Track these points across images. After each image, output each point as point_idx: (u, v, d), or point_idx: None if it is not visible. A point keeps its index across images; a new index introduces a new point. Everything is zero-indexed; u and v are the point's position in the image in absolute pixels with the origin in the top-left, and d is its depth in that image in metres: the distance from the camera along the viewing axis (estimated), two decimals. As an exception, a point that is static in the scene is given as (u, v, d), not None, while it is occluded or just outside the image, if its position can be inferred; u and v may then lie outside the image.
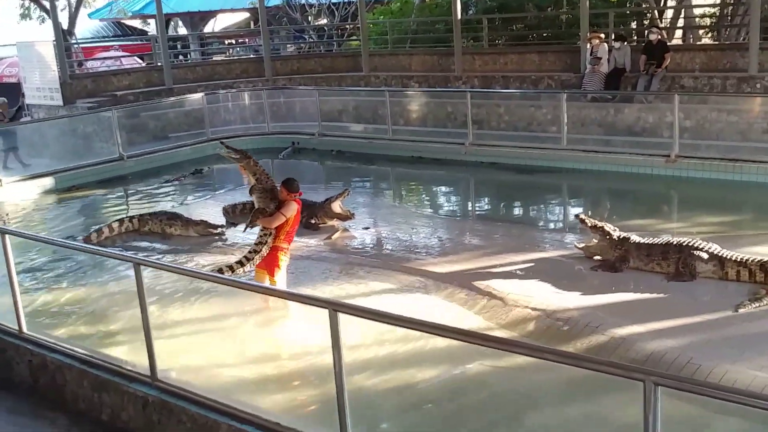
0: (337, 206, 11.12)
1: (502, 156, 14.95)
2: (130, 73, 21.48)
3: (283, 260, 7.98)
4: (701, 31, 23.43)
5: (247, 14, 36.42)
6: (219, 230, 11.07)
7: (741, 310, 7.34)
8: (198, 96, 18.37)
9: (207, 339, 7.69)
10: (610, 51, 16.45)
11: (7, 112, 17.12)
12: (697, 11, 24.55)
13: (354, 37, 27.29)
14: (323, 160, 17.13)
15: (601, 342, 6.98)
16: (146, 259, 6.98)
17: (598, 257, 9.03)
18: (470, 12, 24.30)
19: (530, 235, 10.79)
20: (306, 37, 30.48)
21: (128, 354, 6.64)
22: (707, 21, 24.47)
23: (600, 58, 16.25)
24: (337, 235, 10.84)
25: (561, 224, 12.30)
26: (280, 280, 7.94)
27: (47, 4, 21.66)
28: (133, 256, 7.22)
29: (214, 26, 38.01)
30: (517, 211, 13.21)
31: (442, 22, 23.21)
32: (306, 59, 23.67)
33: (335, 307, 4.86)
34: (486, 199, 14.20)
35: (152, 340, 6.03)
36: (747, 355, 6.47)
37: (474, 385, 6.46)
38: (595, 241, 9.06)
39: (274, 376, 6.81)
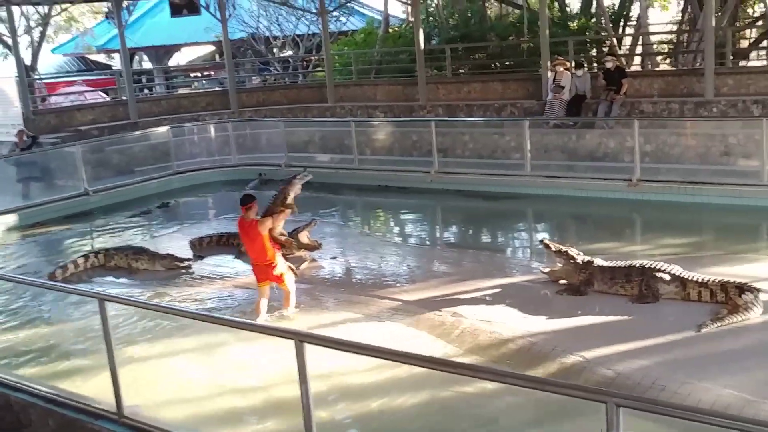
0: (304, 237, 11.12)
1: (468, 183, 15.10)
2: (95, 108, 21.44)
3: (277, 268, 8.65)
4: (659, 58, 23.95)
5: (211, 47, 36.48)
6: (186, 263, 11.01)
7: (703, 330, 7.46)
8: (163, 129, 18.31)
9: (174, 373, 7.64)
10: (571, 78, 16.76)
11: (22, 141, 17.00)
12: (654, 38, 25.14)
13: (319, 69, 27.47)
14: (290, 191, 17.09)
15: (567, 365, 7.05)
16: (110, 294, 6.94)
17: (563, 281, 9.13)
18: (433, 42, 24.62)
19: (496, 261, 10.88)
20: (271, 69, 30.60)
21: (94, 391, 6.55)
22: (664, 48, 25.04)
23: (563, 87, 16.54)
24: (305, 265, 10.84)
25: (527, 249, 12.42)
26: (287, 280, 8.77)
27: (9, 41, 21.51)
28: (97, 291, 7.15)
29: (178, 60, 38.03)
30: (484, 237, 13.32)
31: (406, 52, 23.49)
32: (271, 91, 23.77)
33: (301, 338, 4.88)
34: (452, 227, 14.29)
35: (118, 377, 5.98)
36: (711, 374, 6.58)
37: (442, 411, 6.50)
38: (560, 265, 9.17)
39: (242, 409, 6.79)
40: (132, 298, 8.17)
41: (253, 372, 7.40)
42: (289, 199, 9.56)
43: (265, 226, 8.73)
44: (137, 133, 18.86)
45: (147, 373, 7.60)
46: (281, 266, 8.81)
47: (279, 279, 8.79)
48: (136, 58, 35.80)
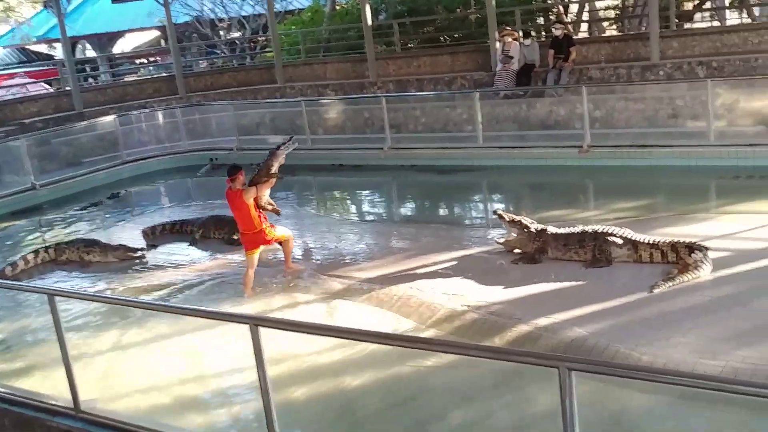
0: (258, 220, 11.02)
1: (421, 158, 15.11)
2: (38, 100, 20.90)
3: (271, 231, 9.11)
4: (605, 24, 24.14)
5: (156, 32, 35.85)
6: (139, 253, 10.84)
7: (655, 291, 7.58)
8: (110, 119, 17.98)
9: (130, 365, 7.55)
10: (519, 48, 16.78)
11: None
12: (600, 4, 25.31)
13: (267, 49, 27.17)
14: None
15: (525, 333, 7.10)
16: (60, 289, 6.80)
17: (518, 250, 9.19)
18: (381, 17, 24.46)
19: (453, 234, 10.89)
20: (218, 52, 30.19)
21: (50, 388, 6.44)
22: (610, 13, 25.23)
23: (512, 57, 16.56)
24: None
25: (482, 221, 12.47)
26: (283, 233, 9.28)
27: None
28: (46, 287, 7.01)
29: (122, 47, 37.29)
30: (439, 211, 13.36)
31: (354, 29, 23.31)
32: (219, 74, 23.42)
33: (256, 322, 4.82)
34: (408, 202, 14.30)
35: (73, 372, 5.86)
36: (663, 334, 6.68)
37: (402, 385, 6.51)
38: (515, 235, 9.22)
39: (201, 396, 6.73)
40: (82, 292, 8.04)
41: (211, 358, 7.34)
42: (274, 169, 9.49)
43: (250, 195, 8.94)
44: (83, 123, 18.44)
45: (103, 366, 7.48)
46: (274, 231, 9.21)
47: (275, 240, 9.28)
48: (79, 46, 35.04)
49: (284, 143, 9.86)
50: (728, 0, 23.52)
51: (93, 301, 7.55)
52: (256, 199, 9.09)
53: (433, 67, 19.47)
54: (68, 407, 5.90)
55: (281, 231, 9.44)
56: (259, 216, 9.09)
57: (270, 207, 9.54)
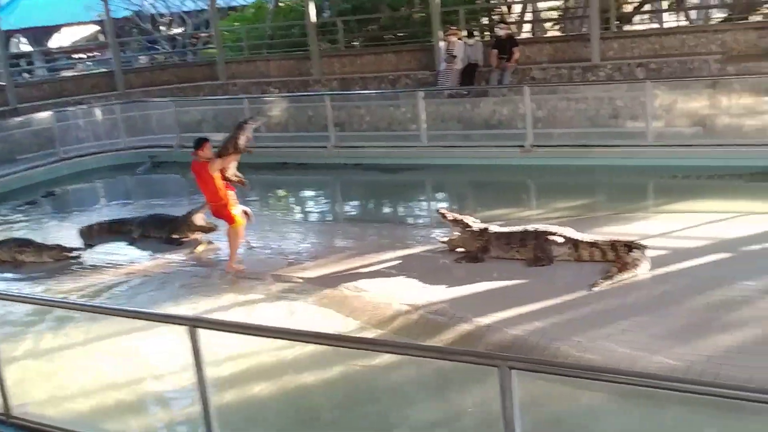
0: (199, 219, 10.85)
1: (366, 156, 15.08)
2: (-31, 94, 20.20)
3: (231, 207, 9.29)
4: (547, 24, 24.45)
5: (95, 27, 35.04)
6: (75, 253, 10.55)
7: (595, 289, 7.67)
8: (46, 114, 17.53)
9: (65, 368, 7.34)
10: (463, 47, 16.87)
11: None
12: (542, 5, 25.60)
13: (209, 45, 26.80)
14: (184, 172, 16.61)
15: (467, 331, 7.11)
16: (-11, 290, 6.56)
17: (461, 249, 9.22)
18: (325, 15, 24.35)
19: (397, 233, 10.87)
20: (159, 47, 29.66)
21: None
22: (553, 14, 25.56)
23: (456, 56, 16.63)
24: (201, 248, 10.57)
25: (426, 220, 12.47)
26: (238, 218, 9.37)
27: None
28: (-25, 288, 6.75)
29: (60, 41, 36.35)
30: (383, 210, 13.34)
31: (298, 26, 23.16)
32: (160, 70, 23.02)
33: (194, 323, 4.71)
34: (352, 201, 14.24)
35: (3, 375, 5.66)
36: (604, 331, 6.76)
37: (345, 386, 6.46)
38: (457, 234, 9.24)
39: (138, 400, 6.57)
40: (15, 293, 7.76)
41: (149, 361, 7.17)
42: (241, 143, 9.38)
43: (214, 167, 9.15)
44: (18, 119, 17.93)
45: (36, 370, 7.26)
46: (234, 208, 9.35)
47: (230, 219, 9.32)
48: (13, 40, 34.00)
49: (251, 117, 9.81)
50: (666, 3, 24.07)
51: (26, 302, 7.30)
52: (222, 171, 9.25)
53: (378, 65, 19.46)
54: (-1, 412, 5.70)
55: (239, 218, 9.46)
56: (226, 187, 9.31)
57: (236, 178, 9.57)
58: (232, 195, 9.46)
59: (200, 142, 9.33)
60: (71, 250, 10.59)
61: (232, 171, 9.45)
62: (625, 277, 7.81)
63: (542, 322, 7.09)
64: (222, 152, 9.34)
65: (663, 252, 8.44)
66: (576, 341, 6.60)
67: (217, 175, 9.20)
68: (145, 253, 10.67)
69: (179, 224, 10.94)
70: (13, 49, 33.02)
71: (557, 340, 6.67)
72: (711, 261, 8.23)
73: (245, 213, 9.88)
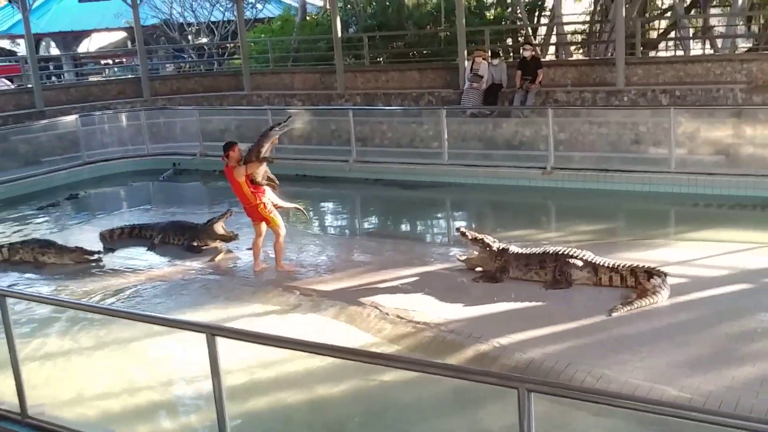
0: (219, 227, 10.92)
1: (386, 172, 15.11)
2: (-2, 95, 20.51)
3: (264, 209, 9.51)
4: (572, 48, 24.46)
5: (123, 33, 35.45)
6: (96, 256, 10.64)
7: (614, 314, 7.63)
8: (72, 118, 17.71)
9: (82, 370, 7.38)
10: (487, 68, 16.90)
11: None
12: (568, 29, 25.65)
13: (235, 56, 27.02)
14: (206, 180, 16.81)
15: (483, 351, 7.10)
16: (12, 290, 6.62)
17: (479, 269, 9.21)
18: (351, 30, 24.52)
19: (415, 249, 10.88)
20: (185, 56, 29.94)
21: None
22: (578, 38, 25.58)
23: (482, 77, 16.67)
24: (220, 256, 10.63)
25: (444, 238, 12.50)
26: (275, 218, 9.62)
27: None
28: (-3, 287, 6.81)
29: (89, 46, 36.78)
30: (402, 226, 13.35)
31: (323, 40, 23.32)
32: (186, 79, 23.23)
33: (213, 331, 4.73)
34: (371, 216, 14.27)
35: (21, 375, 5.70)
36: (621, 358, 6.73)
37: (361, 400, 6.46)
38: (476, 253, 9.23)
39: (154, 405, 6.60)
40: (34, 294, 7.84)
41: (166, 366, 7.21)
42: (264, 151, 9.43)
43: (240, 173, 9.37)
44: (44, 121, 18.17)
45: (54, 371, 7.32)
46: (268, 208, 9.60)
47: (267, 220, 9.60)
48: (43, 44, 34.47)
49: (278, 124, 9.82)
50: (692, 30, 24.03)
51: (46, 303, 7.36)
52: (249, 176, 9.40)
53: (402, 82, 19.53)
54: (15, 412, 5.73)
55: (276, 217, 9.67)
56: (255, 192, 9.48)
57: (265, 182, 9.65)
58: (266, 197, 9.62)
59: (227, 147, 9.58)
60: (92, 253, 10.68)
61: (261, 174, 9.50)
62: (645, 303, 7.76)
63: (559, 345, 7.07)
64: (246, 159, 9.44)
65: (683, 280, 8.38)
66: (593, 366, 6.56)
67: (242, 181, 9.36)
68: (165, 259, 10.74)
69: (200, 232, 11.01)
70: (43, 53, 33.46)
71: (574, 364, 6.64)
72: (731, 291, 8.16)
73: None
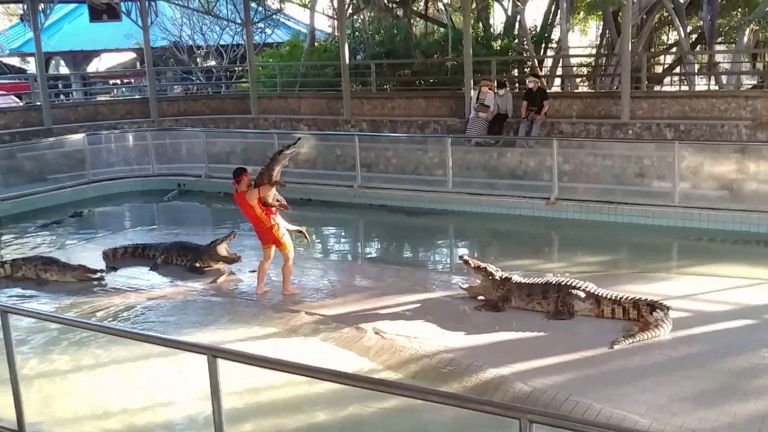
0: (222, 249, 10.94)
1: (391, 198, 15.15)
2: (6, 113, 20.64)
3: (277, 231, 9.52)
4: (578, 80, 24.59)
5: (132, 54, 35.71)
6: (98, 275, 10.64)
7: (616, 347, 7.61)
8: (79, 137, 17.81)
9: (81, 388, 7.35)
10: (493, 97, 17.00)
11: None
12: (574, 61, 25.81)
13: (243, 80, 27.20)
14: (210, 202, 16.86)
15: (484, 380, 7.08)
16: (13, 306, 6.63)
17: (481, 297, 9.20)
18: (359, 57, 24.68)
19: (417, 276, 10.88)
20: (194, 78, 30.14)
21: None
22: (583, 70, 25.74)
23: (488, 106, 16.78)
24: (222, 278, 10.63)
25: (447, 265, 12.50)
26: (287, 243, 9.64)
27: None
28: None
29: (98, 66, 37.05)
30: (405, 252, 13.35)
31: (331, 66, 23.48)
32: (193, 101, 23.39)
33: (214, 353, 4.73)
34: (375, 241, 14.28)
35: (20, 393, 5.70)
36: (622, 390, 6.70)
37: (361, 427, 6.43)
38: (479, 281, 9.23)
39: (152, 426, 6.57)
40: (36, 311, 7.82)
41: (166, 387, 7.18)
42: (275, 174, 9.47)
43: (252, 196, 9.39)
44: (51, 139, 18.28)
45: (52, 389, 7.30)
46: (281, 230, 9.60)
47: (278, 242, 9.58)
48: (53, 62, 34.70)
49: (287, 146, 9.84)
50: (698, 66, 24.17)
51: (47, 320, 7.34)
52: (260, 199, 9.41)
53: (408, 109, 19.65)
54: (12, 429, 5.72)
55: (287, 241, 9.68)
56: (267, 214, 9.49)
57: (277, 203, 9.66)
58: (277, 219, 9.62)
59: (239, 172, 9.60)
60: (95, 271, 10.69)
61: (272, 197, 9.54)
62: (647, 336, 7.74)
63: (561, 376, 7.04)
64: (258, 182, 9.48)
65: (685, 314, 8.37)
66: (594, 398, 6.54)
67: (254, 204, 9.37)
68: (167, 280, 10.75)
69: (202, 253, 11.03)
70: (52, 71, 33.69)
71: (575, 395, 6.62)
72: (734, 326, 8.15)
73: (300, 232, 10.22)
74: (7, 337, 5.61)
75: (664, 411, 6.27)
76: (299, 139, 10.32)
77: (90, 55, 34.84)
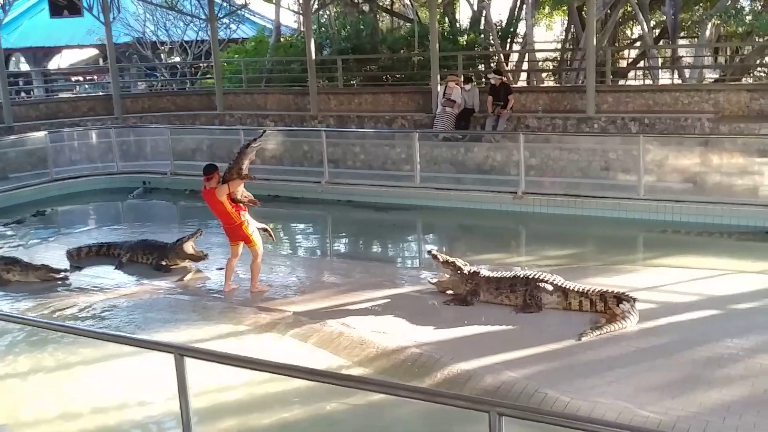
0: (189, 247, 10.83)
1: (359, 194, 15.11)
2: (-35, 110, 20.21)
3: (247, 227, 9.44)
4: (544, 75, 24.76)
5: (95, 50, 35.19)
6: (62, 274, 10.47)
7: (583, 339, 7.67)
8: (41, 134, 17.54)
9: (46, 389, 7.23)
10: (460, 92, 17.04)
11: None
12: (539, 56, 25.98)
13: (208, 76, 26.98)
14: (176, 199, 16.68)
15: (454, 374, 7.08)
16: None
17: (450, 291, 9.21)
18: (325, 53, 24.62)
19: (386, 271, 10.87)
20: (158, 74, 29.80)
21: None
22: (549, 65, 25.92)
23: (454, 101, 16.81)
24: (189, 276, 10.54)
25: (416, 260, 12.52)
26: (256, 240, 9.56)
27: None
28: (-40, 305, 6.69)
29: (59, 63, 36.47)
30: (374, 248, 13.34)
31: (297, 62, 23.39)
32: (158, 97, 23.13)
33: (181, 351, 4.67)
34: (343, 237, 14.23)
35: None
36: (590, 382, 6.75)
37: (329, 424, 6.40)
38: (447, 276, 9.24)
39: (120, 426, 6.48)
40: (-1, 312, 7.68)
41: (133, 387, 7.08)
42: (244, 168, 9.38)
43: (222, 192, 9.28)
44: (12, 137, 17.94)
45: (16, 391, 7.16)
46: (251, 227, 9.51)
47: (247, 239, 9.51)
48: (13, 59, 34.08)
49: (253, 139, 9.77)
50: (661, 60, 24.47)
51: (10, 321, 7.21)
52: (230, 195, 9.33)
53: (375, 105, 19.62)
54: (-25, 432, 5.62)
55: (257, 238, 9.59)
56: (237, 210, 9.41)
57: (246, 199, 9.59)
58: (246, 216, 9.53)
59: (210, 169, 9.49)
60: (58, 271, 10.52)
61: (240, 191, 9.47)
62: (614, 328, 7.81)
63: (529, 369, 7.08)
64: (227, 177, 9.40)
65: (651, 305, 8.46)
66: (562, 390, 6.58)
67: (224, 200, 9.28)
68: (133, 278, 10.61)
69: (169, 251, 10.90)
70: (13, 68, 33.10)
71: (544, 388, 6.65)
72: (699, 317, 8.25)
73: (265, 230, 10.01)
74: (-32, 339, 5.50)
75: (632, 401, 6.32)
76: (264, 131, 10.22)
77: (51, 51, 34.25)
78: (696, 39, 25.17)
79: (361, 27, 24.69)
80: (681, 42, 25.54)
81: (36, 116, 20.38)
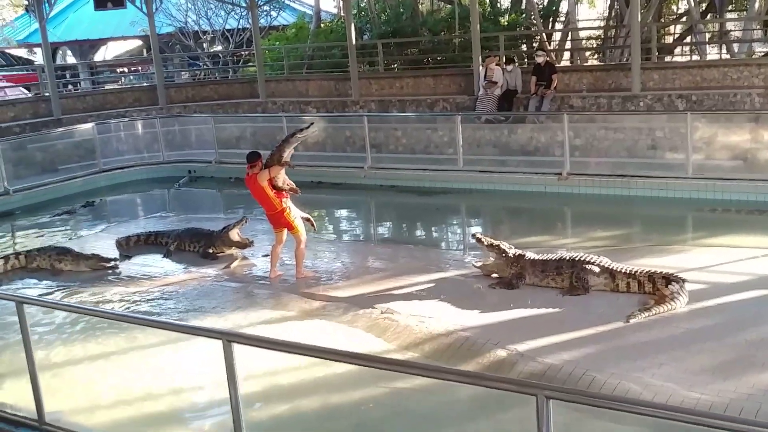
0: (235, 234, 10.94)
1: (401, 178, 15.11)
2: (15, 104, 20.69)
3: (289, 214, 9.51)
4: (587, 53, 24.39)
5: (138, 42, 35.68)
6: (112, 263, 10.67)
7: (632, 321, 7.57)
8: (88, 126, 17.84)
9: (99, 376, 7.39)
10: (502, 74, 16.89)
11: None
12: (582, 34, 25.59)
13: (250, 64, 27.14)
14: (221, 187, 16.88)
15: (500, 358, 7.06)
16: (29, 296, 6.65)
17: (495, 275, 9.16)
18: (365, 37, 24.57)
19: (431, 256, 10.86)
20: (201, 64, 30.09)
21: (14, 398, 6.29)
22: (593, 43, 25.52)
23: (496, 83, 16.67)
24: (236, 263, 10.65)
25: (460, 244, 12.47)
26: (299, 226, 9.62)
27: None
28: (14, 294, 6.85)
29: (104, 55, 37.06)
30: (418, 232, 13.33)
31: (338, 47, 23.39)
32: (201, 86, 23.35)
33: (229, 338, 4.73)
34: (386, 222, 14.26)
35: (38, 382, 5.72)
36: (639, 364, 6.67)
37: (377, 408, 6.43)
38: (492, 259, 9.19)
39: (170, 412, 6.60)
40: (52, 300, 7.88)
41: (183, 373, 7.20)
42: (285, 156, 9.47)
43: (263, 177, 9.33)
44: (60, 129, 18.33)
45: (70, 377, 7.33)
46: (293, 214, 9.58)
47: (290, 226, 9.57)
48: (60, 52, 34.74)
49: (299, 129, 9.81)
50: (708, 35, 23.91)
51: (63, 310, 7.39)
52: (271, 181, 9.38)
53: (416, 88, 19.55)
54: (32, 419, 5.75)
55: (299, 225, 9.66)
56: (279, 197, 9.46)
57: (287, 187, 9.64)
58: (288, 202, 9.58)
59: (253, 157, 9.56)
60: (108, 260, 10.72)
61: (281, 179, 9.51)
62: (663, 310, 7.69)
63: (577, 352, 7.01)
64: (267, 163, 9.47)
65: (701, 286, 8.31)
66: (611, 373, 6.51)
67: (265, 185, 9.34)
68: (180, 266, 10.77)
69: (215, 239, 11.03)
70: (59, 61, 33.73)
71: (591, 370, 6.59)
72: (750, 297, 8.08)
73: (307, 220, 10.02)
74: (23, 327, 5.63)
75: (682, 384, 6.23)
76: (312, 123, 10.23)
77: (96, 43, 34.84)
78: (745, 12, 24.54)
79: (401, 10, 24.57)
80: (729, 16, 24.91)
81: (83, 108, 20.75)
